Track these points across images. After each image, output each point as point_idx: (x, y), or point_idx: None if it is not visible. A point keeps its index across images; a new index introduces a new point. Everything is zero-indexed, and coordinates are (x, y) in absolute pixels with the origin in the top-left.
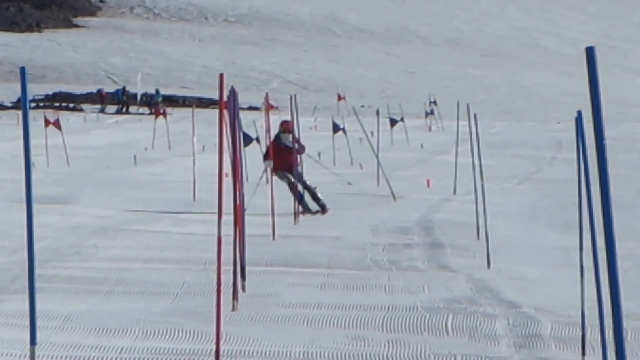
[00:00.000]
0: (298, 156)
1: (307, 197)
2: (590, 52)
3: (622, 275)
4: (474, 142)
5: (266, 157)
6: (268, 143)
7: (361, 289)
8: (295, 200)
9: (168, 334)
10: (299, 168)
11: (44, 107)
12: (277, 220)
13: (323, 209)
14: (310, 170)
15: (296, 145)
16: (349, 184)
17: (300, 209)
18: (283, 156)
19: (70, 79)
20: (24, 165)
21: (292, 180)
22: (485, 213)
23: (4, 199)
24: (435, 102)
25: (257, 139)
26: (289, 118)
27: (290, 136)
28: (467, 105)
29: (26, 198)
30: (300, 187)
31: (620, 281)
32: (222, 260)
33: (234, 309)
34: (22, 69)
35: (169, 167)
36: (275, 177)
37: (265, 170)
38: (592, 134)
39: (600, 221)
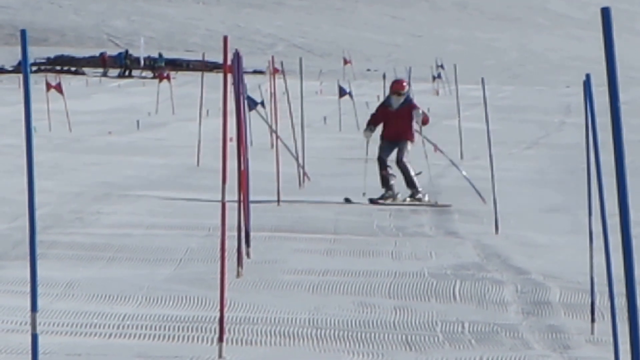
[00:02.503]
0: (416, 128)
1: (400, 180)
2: (605, 13)
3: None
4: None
5: (368, 125)
6: (273, 107)
7: (367, 255)
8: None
9: (171, 300)
10: (409, 145)
11: (45, 70)
12: (282, 186)
13: (413, 196)
14: (314, 135)
15: (420, 113)
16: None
17: (384, 193)
18: (393, 123)
19: (72, 42)
20: (24, 130)
21: (382, 157)
22: (493, 178)
23: (5, 164)
24: (442, 66)
25: (262, 103)
26: (400, 77)
27: (401, 99)
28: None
29: (27, 163)
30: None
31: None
32: (227, 226)
33: (238, 275)
34: (23, 32)
35: (173, 132)
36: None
37: (367, 141)
38: (600, 98)
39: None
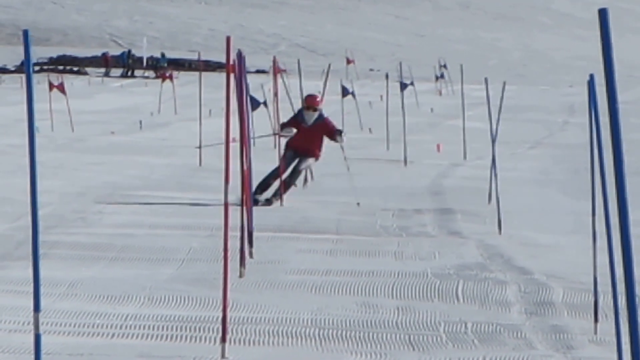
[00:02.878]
0: (323, 144)
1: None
2: (603, 14)
3: (634, 242)
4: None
5: (284, 126)
6: (276, 108)
7: (370, 255)
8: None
9: (174, 301)
10: (310, 160)
11: (47, 70)
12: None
13: (275, 194)
14: None
15: (344, 139)
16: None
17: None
18: (303, 138)
19: (74, 42)
20: (27, 129)
21: (292, 166)
22: (496, 178)
23: (7, 164)
24: (445, 66)
25: (265, 103)
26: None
27: (316, 115)
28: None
29: (30, 163)
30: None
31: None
32: (229, 226)
33: (241, 275)
34: (26, 32)
35: (175, 132)
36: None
37: (275, 134)
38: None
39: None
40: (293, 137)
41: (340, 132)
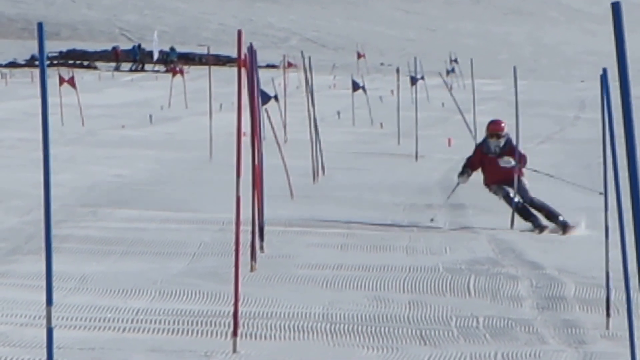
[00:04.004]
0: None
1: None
2: (616, 8)
3: None
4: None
5: (464, 168)
6: (284, 101)
7: (382, 249)
8: (519, 214)
9: (185, 295)
10: (524, 180)
11: (58, 64)
12: (296, 180)
13: (564, 227)
14: (328, 129)
15: (511, 161)
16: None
17: (532, 226)
18: (493, 168)
19: (84, 36)
20: (41, 123)
21: (510, 194)
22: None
23: (18, 158)
24: (456, 60)
25: (276, 97)
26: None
27: (502, 141)
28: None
29: (43, 157)
30: (518, 200)
31: None
32: (240, 220)
33: (252, 269)
34: (40, 25)
35: (186, 126)
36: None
37: (456, 186)
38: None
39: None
40: (485, 173)
41: (524, 160)
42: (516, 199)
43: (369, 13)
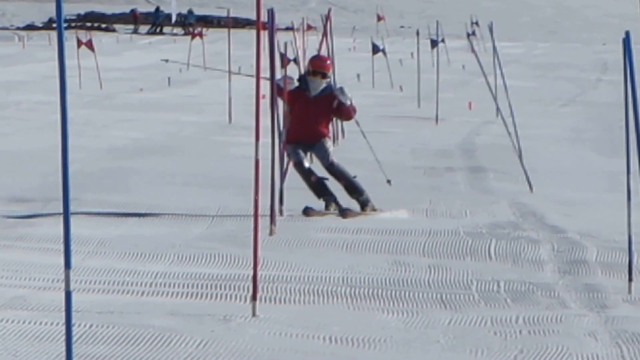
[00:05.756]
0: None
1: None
2: None
3: None
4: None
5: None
6: (303, 69)
7: (402, 213)
8: (310, 188)
9: (204, 258)
10: (328, 142)
11: (75, 27)
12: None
13: (363, 206)
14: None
15: (337, 102)
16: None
17: (325, 205)
18: (307, 118)
19: None
20: (59, 86)
21: (307, 165)
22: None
23: (36, 121)
24: (477, 23)
25: (295, 60)
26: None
27: (324, 83)
28: None
29: (61, 120)
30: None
31: None
32: (260, 184)
33: (271, 233)
34: None
35: (204, 89)
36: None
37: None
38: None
39: None
40: (293, 122)
41: (341, 91)
42: (307, 164)
43: None
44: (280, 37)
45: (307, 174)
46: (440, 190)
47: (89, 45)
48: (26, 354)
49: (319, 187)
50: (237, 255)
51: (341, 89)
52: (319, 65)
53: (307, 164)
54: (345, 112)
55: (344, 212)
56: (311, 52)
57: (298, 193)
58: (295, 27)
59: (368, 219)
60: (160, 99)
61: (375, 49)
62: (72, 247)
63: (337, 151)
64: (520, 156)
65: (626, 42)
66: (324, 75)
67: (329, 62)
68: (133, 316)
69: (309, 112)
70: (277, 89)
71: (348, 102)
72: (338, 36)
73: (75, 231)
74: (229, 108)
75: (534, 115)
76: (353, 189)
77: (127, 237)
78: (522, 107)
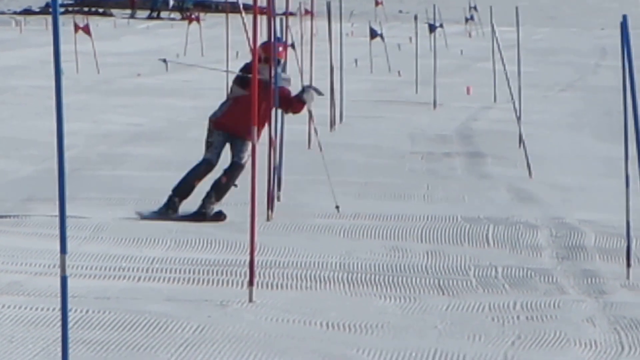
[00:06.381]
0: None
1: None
2: None
3: None
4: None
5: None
6: (309, 49)
7: (399, 198)
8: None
9: (201, 244)
10: (248, 142)
11: (73, 12)
12: (312, 128)
13: (201, 209)
14: (345, 77)
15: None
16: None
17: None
18: (241, 105)
19: None
20: (54, 71)
21: (211, 161)
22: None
23: (33, 106)
24: (475, 8)
25: (293, 45)
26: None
27: (267, 69)
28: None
29: (56, 105)
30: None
31: None
32: (257, 169)
33: (268, 218)
34: None
35: (202, 74)
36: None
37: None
38: (636, 40)
39: None
40: (226, 107)
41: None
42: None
43: None
44: (278, 22)
45: (200, 175)
46: (438, 175)
47: (86, 30)
48: (22, 339)
49: (188, 188)
50: (234, 241)
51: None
52: (269, 52)
53: (209, 166)
54: (297, 109)
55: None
56: (308, 37)
57: (296, 179)
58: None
59: (366, 203)
60: (158, 84)
61: (373, 34)
62: (68, 232)
63: (333, 135)
64: (522, 141)
65: (624, 26)
66: (267, 60)
67: (281, 48)
68: (129, 302)
69: (244, 104)
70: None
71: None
72: (336, 21)
73: (71, 216)
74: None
75: (532, 100)
76: (216, 191)
77: (124, 222)
78: (521, 92)
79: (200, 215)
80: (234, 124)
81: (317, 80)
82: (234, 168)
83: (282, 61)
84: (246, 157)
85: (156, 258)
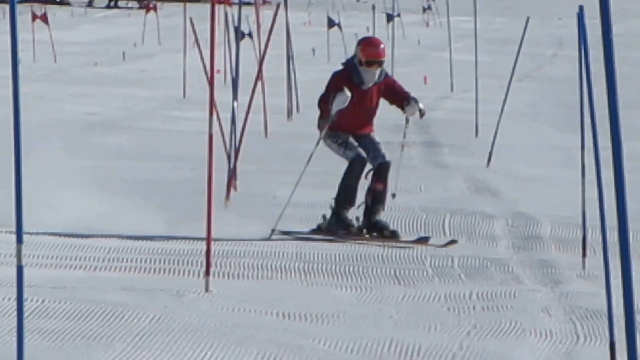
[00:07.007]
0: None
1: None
2: None
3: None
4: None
5: (324, 103)
6: (265, 39)
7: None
8: (346, 189)
9: (157, 233)
10: (375, 137)
11: (30, 0)
12: (269, 117)
13: (385, 226)
14: (303, 67)
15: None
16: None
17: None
18: (356, 109)
19: None
20: (11, 60)
21: (364, 159)
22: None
23: None
24: None
25: (250, 35)
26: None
27: (378, 72)
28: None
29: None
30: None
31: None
32: (214, 159)
33: (225, 207)
34: None
35: (159, 63)
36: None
37: (321, 129)
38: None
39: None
40: (345, 112)
41: (415, 100)
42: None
43: None
44: (236, 12)
45: (357, 176)
46: (395, 165)
47: (44, 18)
48: None
49: (353, 193)
50: (190, 230)
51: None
52: (373, 55)
53: (362, 166)
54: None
55: (393, 234)
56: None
57: (253, 168)
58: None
59: (323, 193)
60: (115, 74)
61: (331, 23)
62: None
63: (290, 125)
64: (476, 130)
65: (580, 16)
66: (380, 64)
67: (382, 46)
68: (85, 291)
69: (362, 105)
70: (325, 106)
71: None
72: (293, 10)
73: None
74: (184, 83)
75: (489, 90)
76: (382, 199)
77: (80, 212)
78: (478, 81)
79: (391, 232)
80: (355, 123)
81: (273, 70)
82: (384, 169)
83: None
84: (381, 151)
85: (113, 248)
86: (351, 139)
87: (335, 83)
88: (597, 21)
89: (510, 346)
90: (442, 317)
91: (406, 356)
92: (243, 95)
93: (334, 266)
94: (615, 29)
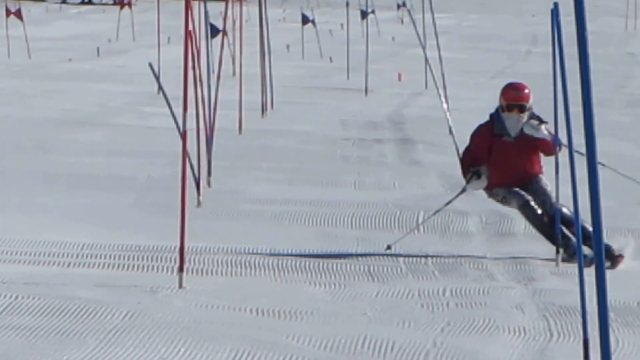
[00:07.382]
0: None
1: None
2: None
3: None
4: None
5: (467, 166)
6: (239, 35)
7: (330, 185)
8: (542, 233)
9: (131, 229)
10: (544, 180)
11: None
12: (244, 114)
13: (610, 255)
14: (277, 63)
15: (543, 129)
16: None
17: (561, 253)
18: (506, 161)
19: None
20: None
21: (529, 200)
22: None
23: None
24: None
25: (224, 31)
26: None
27: (525, 117)
28: None
29: None
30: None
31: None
32: (187, 155)
33: (199, 204)
34: None
35: (133, 59)
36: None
37: (463, 191)
38: (567, 28)
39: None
40: (496, 169)
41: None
42: (534, 204)
43: None
44: (210, 7)
45: (538, 216)
46: (369, 162)
47: (18, 14)
48: None
49: (549, 229)
50: (164, 227)
51: (531, 121)
52: (513, 98)
53: (534, 204)
54: (546, 148)
55: (617, 258)
56: (243, 23)
57: (226, 165)
58: None
59: (297, 189)
60: (89, 70)
61: (305, 20)
62: None
63: (265, 122)
64: (450, 128)
65: (554, 13)
66: (522, 109)
67: (527, 90)
68: (59, 287)
69: (512, 155)
70: (464, 169)
71: (544, 133)
72: (268, 6)
73: (1, 201)
74: (157, 78)
75: (464, 86)
76: (588, 235)
77: (54, 208)
78: (452, 78)
79: (615, 257)
80: (510, 178)
81: (248, 66)
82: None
83: (529, 105)
84: (550, 195)
85: (86, 244)
86: (514, 190)
87: (476, 139)
88: (572, 18)
89: (484, 343)
90: (416, 314)
91: (380, 353)
92: (222, 92)
93: (307, 263)
94: (589, 26)
